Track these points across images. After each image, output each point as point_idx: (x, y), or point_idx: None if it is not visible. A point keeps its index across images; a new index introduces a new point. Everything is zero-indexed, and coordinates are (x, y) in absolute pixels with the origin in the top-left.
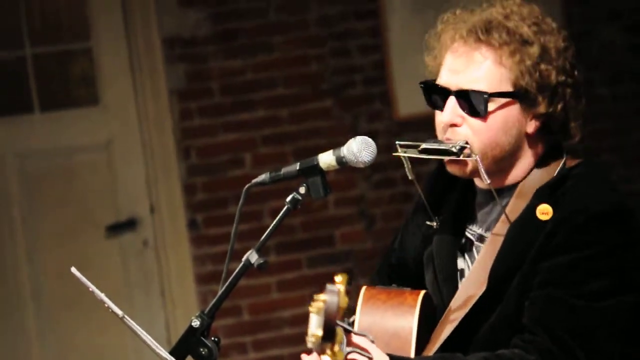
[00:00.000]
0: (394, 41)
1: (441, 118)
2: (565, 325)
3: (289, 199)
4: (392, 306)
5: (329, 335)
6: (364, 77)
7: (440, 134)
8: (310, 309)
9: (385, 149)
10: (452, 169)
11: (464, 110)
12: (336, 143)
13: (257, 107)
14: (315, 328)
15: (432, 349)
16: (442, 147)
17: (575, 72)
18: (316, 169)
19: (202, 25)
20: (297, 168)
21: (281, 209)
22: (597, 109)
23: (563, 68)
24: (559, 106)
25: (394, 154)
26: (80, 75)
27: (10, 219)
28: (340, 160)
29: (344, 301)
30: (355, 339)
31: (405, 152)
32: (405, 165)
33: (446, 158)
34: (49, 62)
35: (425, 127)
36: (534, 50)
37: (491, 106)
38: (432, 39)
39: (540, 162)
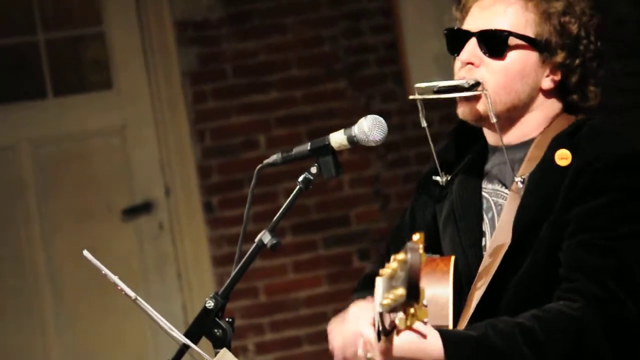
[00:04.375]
0: (406, 20)
1: (459, 57)
2: (603, 266)
3: (301, 178)
4: (425, 273)
5: (413, 293)
6: (377, 57)
7: (456, 75)
8: (382, 271)
9: (398, 128)
10: (463, 110)
11: (483, 51)
12: (350, 123)
13: (271, 89)
14: (390, 289)
15: (467, 312)
16: (455, 83)
17: (598, 43)
18: (327, 149)
19: (214, 7)
20: (308, 148)
21: None
22: (608, 85)
23: (586, 30)
24: (577, 61)
25: (410, 97)
26: (93, 60)
27: (26, 204)
28: (352, 139)
29: (424, 259)
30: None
31: (422, 95)
32: (420, 111)
33: (458, 95)
34: (62, 47)
35: (438, 107)
36: (559, 4)
37: (511, 47)
38: None
39: (554, 121)
